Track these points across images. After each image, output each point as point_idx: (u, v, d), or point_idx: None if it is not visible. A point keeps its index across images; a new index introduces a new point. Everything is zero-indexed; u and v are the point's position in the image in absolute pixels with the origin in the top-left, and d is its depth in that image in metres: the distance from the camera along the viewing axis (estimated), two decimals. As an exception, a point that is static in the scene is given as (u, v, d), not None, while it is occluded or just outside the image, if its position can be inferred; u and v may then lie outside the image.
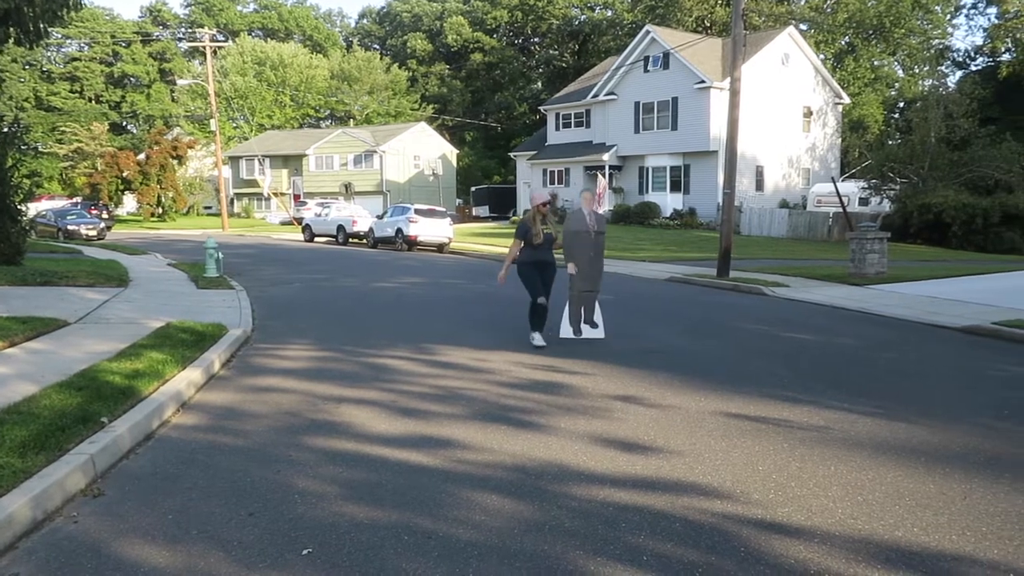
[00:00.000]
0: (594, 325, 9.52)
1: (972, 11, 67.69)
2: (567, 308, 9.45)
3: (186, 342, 8.40)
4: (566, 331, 9.41)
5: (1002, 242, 28.16)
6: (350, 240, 32.33)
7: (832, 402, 6.66)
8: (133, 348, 7.94)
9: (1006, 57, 45.08)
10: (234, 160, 60.50)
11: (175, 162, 51.10)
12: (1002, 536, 3.98)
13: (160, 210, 51.01)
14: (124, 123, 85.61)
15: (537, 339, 9.20)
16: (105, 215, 42.69)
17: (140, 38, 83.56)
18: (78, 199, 51.53)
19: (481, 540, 3.91)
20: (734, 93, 18.23)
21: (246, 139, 66.94)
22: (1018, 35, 43.48)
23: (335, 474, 4.87)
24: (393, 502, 4.41)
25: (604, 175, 41.48)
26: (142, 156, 51.48)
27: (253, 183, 58.90)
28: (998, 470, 4.98)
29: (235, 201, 60.87)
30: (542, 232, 9.14)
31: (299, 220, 41.66)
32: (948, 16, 56.87)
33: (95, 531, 4.03)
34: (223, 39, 62.40)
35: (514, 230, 9.58)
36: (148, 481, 4.75)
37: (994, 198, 29.69)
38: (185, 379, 6.87)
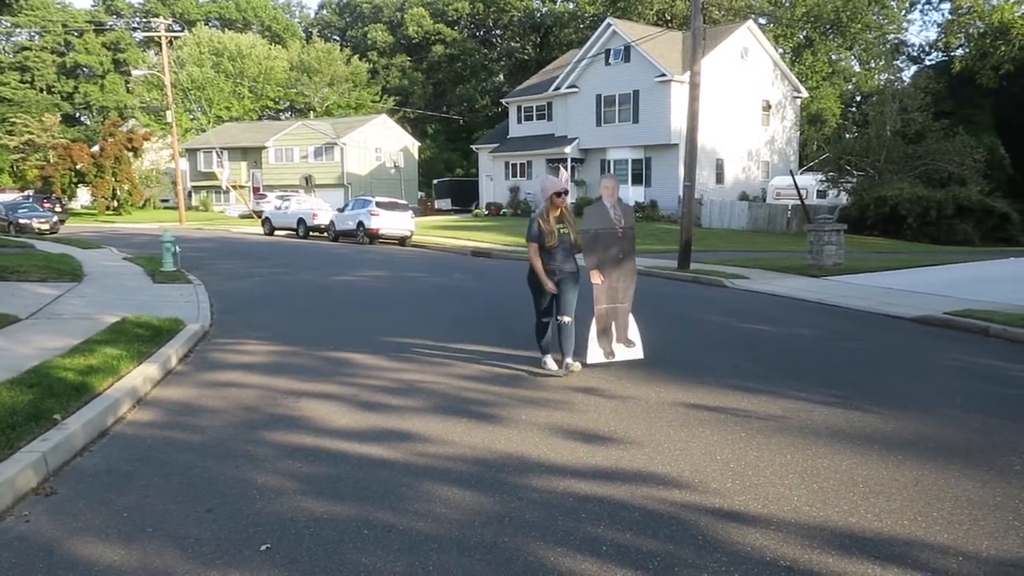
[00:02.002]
0: (630, 344, 7.66)
1: (926, 6, 68.86)
2: (593, 327, 7.50)
3: (142, 337, 8.27)
4: (595, 355, 7.49)
5: (955, 234, 28.75)
6: (311, 233, 32.03)
7: (790, 392, 6.75)
8: (87, 344, 7.79)
9: (959, 52, 45.94)
10: (192, 152, 59.59)
11: (130, 154, 50.19)
12: (952, 521, 4.07)
13: (115, 203, 50.07)
14: (77, 114, 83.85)
15: (549, 363, 7.47)
16: (58, 208, 41.75)
17: (93, 27, 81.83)
18: (30, 192, 50.32)
19: (441, 533, 3.90)
20: (694, 86, 18.37)
21: (204, 131, 65.91)
22: (971, 31, 44.32)
23: (294, 469, 4.83)
24: (353, 496, 4.39)
25: (566, 168, 41.56)
26: (96, 148, 50.46)
27: (211, 176, 58.08)
28: (949, 457, 5.08)
29: (193, 194, 59.96)
30: (557, 232, 7.20)
31: (259, 213, 41.18)
32: (903, 11, 57.82)
33: (47, 530, 3.95)
34: (179, 29, 61.27)
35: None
36: (102, 479, 4.67)
37: (947, 191, 30.29)
38: (141, 375, 6.77)
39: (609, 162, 40.90)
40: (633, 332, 7.69)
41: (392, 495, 4.40)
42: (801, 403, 6.36)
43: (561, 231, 7.23)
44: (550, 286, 7.17)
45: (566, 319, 7.26)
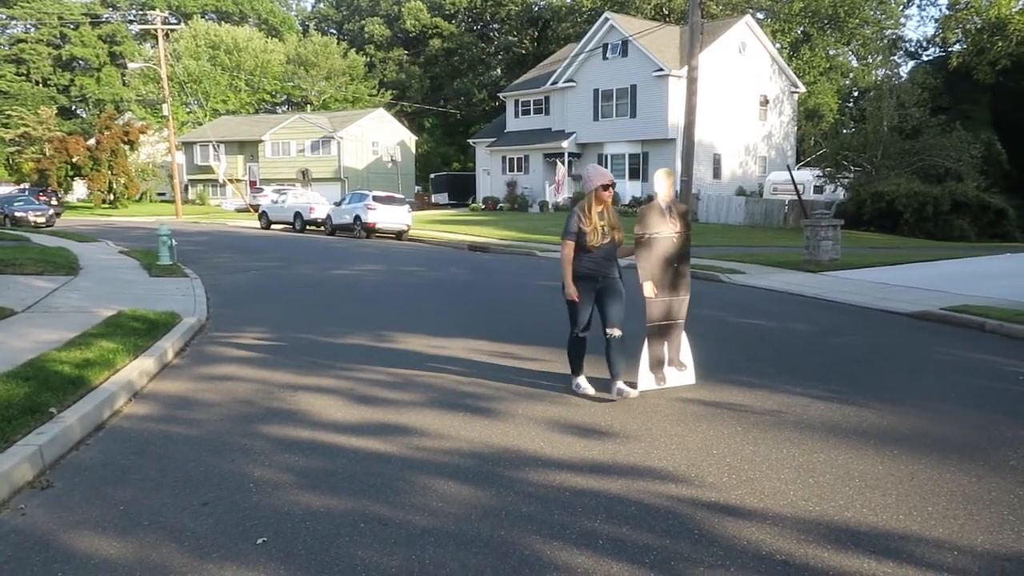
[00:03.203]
0: (682, 367, 6.71)
1: (924, 2, 69.09)
2: (645, 348, 6.53)
3: (138, 331, 8.25)
4: (646, 381, 6.49)
5: (952, 229, 28.77)
6: (307, 227, 32.00)
7: (786, 386, 6.76)
8: (83, 337, 7.78)
9: (956, 48, 45.97)
10: (188, 146, 59.46)
11: (127, 147, 50.09)
12: (947, 515, 4.08)
13: (111, 197, 49.98)
14: (73, 107, 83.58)
15: (583, 386, 6.46)
16: (54, 201, 41.66)
17: (89, 20, 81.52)
18: (25, 185, 50.20)
19: (437, 526, 3.91)
20: (691, 81, 18.35)
21: (200, 124, 65.79)
22: (968, 26, 44.33)
23: (291, 462, 4.83)
24: (349, 490, 4.39)
25: (563, 162, 41.55)
26: (92, 141, 50.34)
27: (208, 169, 57.96)
28: (944, 451, 5.09)
29: (189, 188, 59.86)
30: (601, 230, 6.21)
31: (255, 207, 41.12)
32: (901, 7, 57.80)
33: (43, 523, 3.95)
34: (175, 22, 61.19)
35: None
36: (98, 472, 4.67)
37: (944, 186, 30.30)
38: (137, 368, 6.76)
39: (606, 156, 40.87)
40: (686, 353, 6.74)
41: (388, 489, 4.40)
42: (797, 398, 6.37)
43: (604, 228, 6.21)
44: (572, 290, 6.27)
45: (616, 332, 6.25)
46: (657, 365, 6.58)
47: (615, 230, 6.30)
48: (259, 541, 3.74)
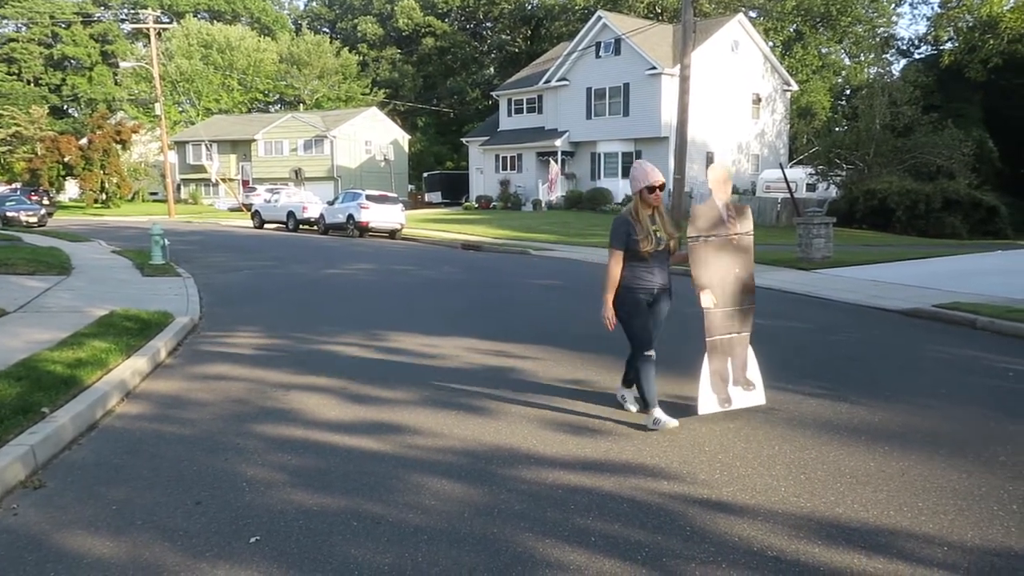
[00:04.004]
0: (748, 385, 5.92)
1: (916, 0, 69.15)
2: (705, 365, 5.80)
3: (131, 330, 8.24)
4: (708, 404, 5.73)
5: (943, 227, 28.84)
6: (300, 226, 31.97)
7: (778, 384, 6.77)
8: (75, 337, 7.76)
9: (948, 46, 46.13)
10: (180, 145, 59.32)
11: (119, 147, 49.94)
12: (937, 511, 4.11)
13: (104, 196, 49.83)
14: (65, 107, 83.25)
15: (663, 420, 5.45)
16: (46, 201, 41.59)
17: (81, 19, 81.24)
18: (17, 185, 50.01)
19: (431, 524, 3.92)
20: (684, 79, 18.38)
21: (193, 123, 65.62)
22: (959, 24, 44.47)
23: (284, 461, 4.83)
24: (342, 488, 4.39)
25: (556, 161, 41.57)
26: (84, 141, 50.21)
27: (200, 169, 57.82)
28: (934, 447, 5.12)
29: (182, 187, 59.73)
30: (653, 235, 5.45)
31: (248, 206, 41.05)
32: (893, 5, 57.96)
33: (36, 523, 3.95)
34: (168, 21, 61.04)
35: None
36: (91, 472, 4.66)
37: (936, 184, 30.38)
38: (130, 368, 6.75)
39: (599, 155, 40.93)
40: (753, 370, 5.94)
41: (382, 487, 4.41)
42: (789, 395, 6.39)
43: (656, 233, 5.47)
44: (611, 314, 5.57)
45: (651, 353, 5.59)
46: (720, 384, 5.80)
47: (669, 236, 5.54)
48: (252, 540, 3.75)
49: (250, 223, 35.11)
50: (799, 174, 35.79)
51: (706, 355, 5.80)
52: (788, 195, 31.51)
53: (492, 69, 72.33)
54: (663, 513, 4.07)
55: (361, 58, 74.81)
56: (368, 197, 28.32)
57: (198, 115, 68.12)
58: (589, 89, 40.82)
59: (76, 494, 4.32)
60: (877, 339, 9.38)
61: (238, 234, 29.74)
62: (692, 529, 3.88)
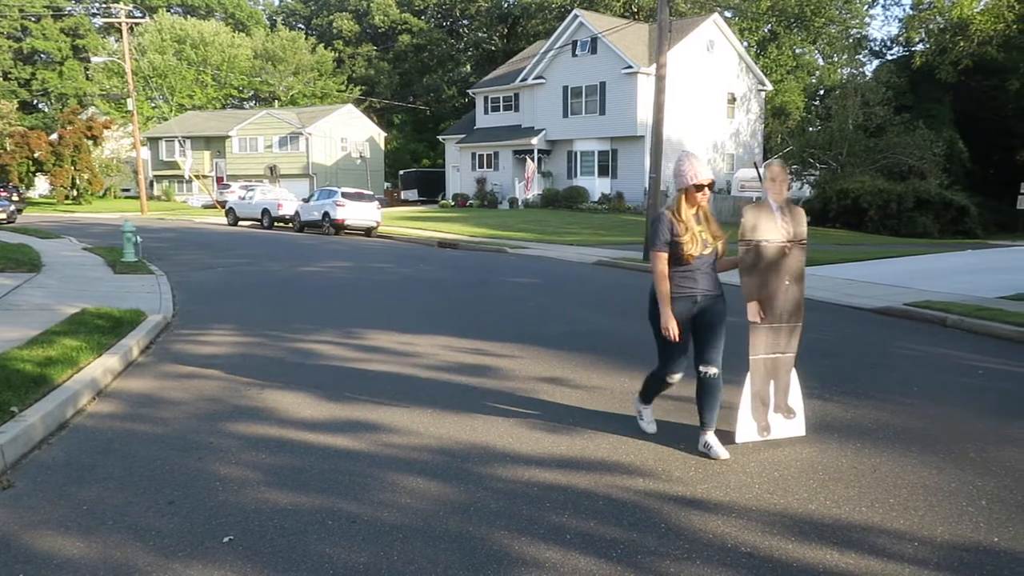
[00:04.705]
0: (789, 413, 5.31)
1: (888, 2, 69.94)
2: (747, 388, 5.22)
3: (102, 328, 8.15)
4: (747, 431, 5.18)
5: (915, 226, 29.22)
6: (275, 224, 31.76)
7: (752, 381, 6.82)
8: (45, 335, 7.66)
9: (920, 47, 46.63)
10: (153, 141, 58.68)
11: (90, 143, 49.25)
12: (908, 507, 4.16)
13: (75, 192, 49.15)
14: (35, 101, 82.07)
15: (647, 419, 5.43)
16: (16, 197, 40.89)
17: (51, 13, 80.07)
18: (-14, 181, 49.27)
19: (406, 523, 3.91)
20: (660, 78, 18.45)
21: (166, 119, 64.86)
22: (931, 26, 44.97)
23: (258, 460, 4.80)
24: (318, 487, 4.37)
25: (533, 159, 41.59)
26: (55, 136, 49.47)
27: (174, 165, 57.24)
28: (906, 444, 5.19)
29: (155, 184, 59.08)
30: (700, 237, 4.91)
31: (222, 203, 40.70)
32: (866, 6, 58.51)
33: (4, 524, 3.89)
34: (140, 15, 60.23)
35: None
36: (61, 472, 4.61)
37: (908, 184, 30.77)
38: (101, 366, 6.67)
39: (576, 153, 41.00)
40: (795, 396, 5.36)
41: (357, 486, 4.39)
42: (763, 392, 6.44)
43: (702, 234, 4.91)
44: (674, 327, 4.85)
45: (714, 370, 4.98)
46: (761, 410, 5.22)
47: (716, 237, 4.98)
48: (225, 539, 3.72)
49: (224, 220, 34.82)
50: (774, 173, 36.02)
51: (748, 375, 5.20)
52: (762, 194, 31.79)
53: (469, 67, 72.17)
54: (638, 510, 4.09)
55: (337, 55, 74.39)
56: (344, 195, 28.20)
57: (171, 111, 67.36)
58: (566, 87, 40.87)
59: (46, 494, 4.26)
60: (849, 337, 9.47)
61: (212, 231, 29.48)
62: (667, 526, 3.90)
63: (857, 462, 4.84)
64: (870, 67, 55.29)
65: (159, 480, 4.46)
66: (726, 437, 5.11)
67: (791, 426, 5.33)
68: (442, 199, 47.77)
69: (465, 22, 75.70)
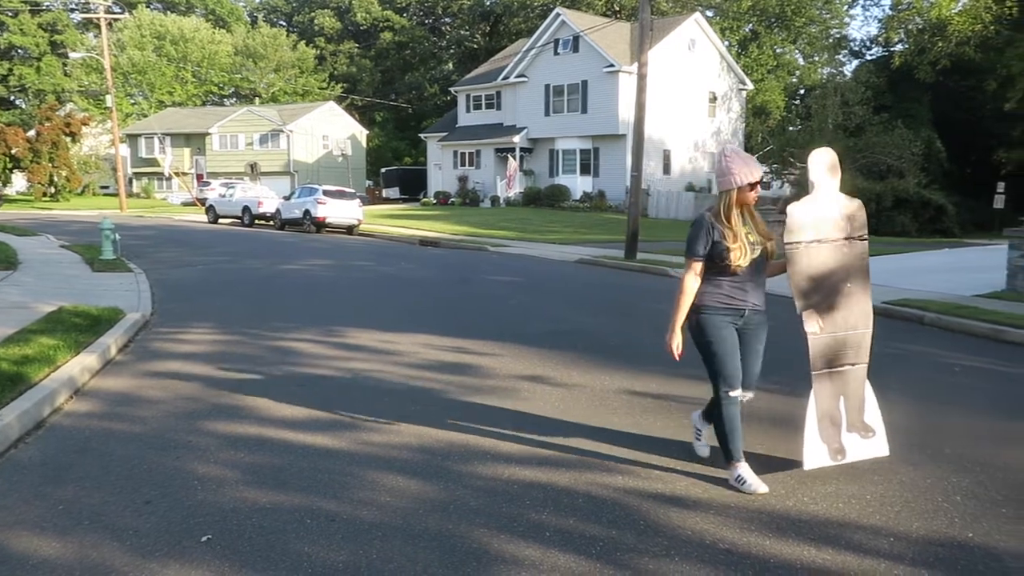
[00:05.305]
0: (867, 431, 4.72)
1: (868, 2, 70.43)
2: (811, 407, 4.63)
3: (80, 327, 8.07)
4: (816, 456, 4.57)
5: (894, 225, 29.46)
6: (256, 221, 31.57)
7: (731, 379, 6.86)
8: (22, 333, 7.58)
9: (899, 47, 46.96)
10: (132, 138, 58.19)
11: (68, 139, 48.75)
12: (884, 503, 4.20)
13: (53, 190, 48.61)
14: (12, 97, 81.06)
15: (749, 480, 4.36)
16: (-8, 194, 40.49)
17: (28, 7, 79.17)
18: (-38, 178, 48.65)
19: (385, 521, 3.90)
20: (641, 77, 18.50)
21: (145, 116, 64.34)
22: (909, 26, 45.31)
23: (237, 459, 4.78)
24: (297, 486, 4.36)
25: (515, 157, 41.59)
26: (32, 132, 48.87)
27: (153, 162, 56.80)
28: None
29: (134, 181, 58.61)
30: (747, 242, 4.30)
31: (202, 201, 40.44)
32: (845, 6, 58.87)
33: (-21, 524, 3.85)
34: (119, 11, 59.68)
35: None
36: (37, 471, 4.56)
37: (887, 183, 31.04)
38: (79, 365, 6.61)
39: (557, 152, 41.06)
40: (872, 412, 4.76)
41: (336, 484, 4.38)
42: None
43: (750, 238, 4.32)
44: (677, 345, 4.43)
45: (749, 395, 4.54)
46: (831, 431, 4.63)
47: (764, 238, 4.38)
48: (203, 539, 3.70)
49: (204, 218, 34.59)
50: (754, 172, 36.23)
51: (812, 394, 4.64)
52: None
53: (451, 65, 72.08)
54: (618, 508, 4.10)
55: (318, 52, 74.06)
56: (325, 192, 28.12)
57: (151, 107, 66.82)
58: (547, 86, 40.91)
59: (21, 494, 4.22)
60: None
61: (192, 229, 29.28)
62: (646, 523, 3.92)
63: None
64: (850, 67, 55.64)
65: (136, 479, 4.42)
66: (783, 465, 4.67)
67: (871, 446, 4.73)
68: (424, 197, 47.69)
69: (447, 20, 75.59)
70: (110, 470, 4.57)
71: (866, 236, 4.60)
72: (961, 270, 15.83)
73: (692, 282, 4.37)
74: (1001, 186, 34.10)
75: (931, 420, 5.75)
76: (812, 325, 4.55)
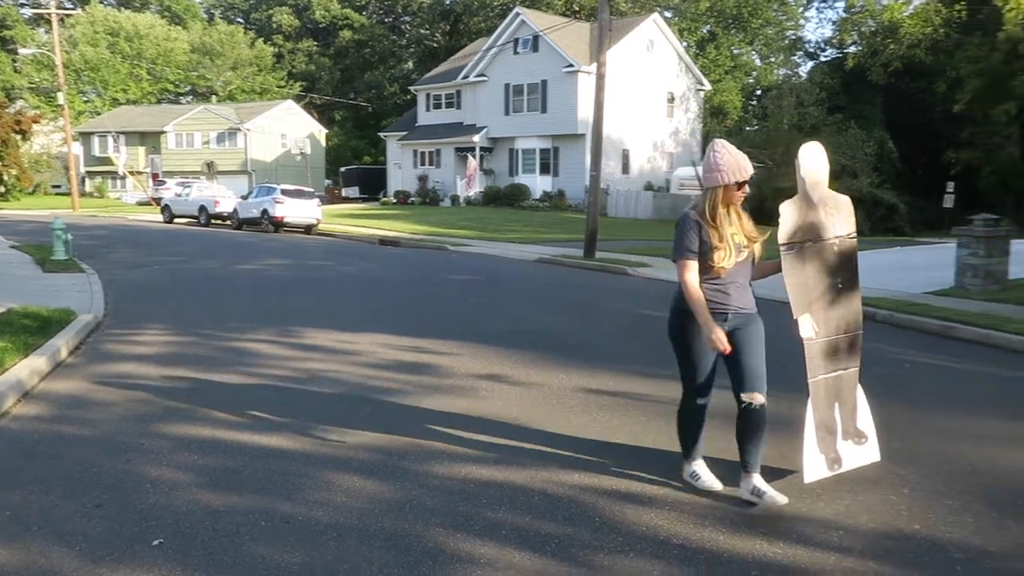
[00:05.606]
0: (860, 438, 4.63)
1: (822, 4, 71.48)
2: (809, 417, 4.46)
3: (29, 328, 7.91)
4: (816, 468, 4.39)
5: (847, 224, 29.94)
6: (213, 221, 31.18)
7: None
8: (-32, 336, 7.41)
9: (852, 49, 47.73)
10: (86, 136, 57.12)
11: (18, 137, 47.63)
12: (834, 496, 4.28)
13: (2, 189, 47.51)
14: (-40, 94, 79.10)
15: (704, 477, 4.40)
16: (-61, 194, 39.45)
17: (-24, 3, 77.23)
18: (-93, 176, 47.29)
19: (341, 522, 3.88)
20: (600, 77, 18.60)
21: (99, 114, 63.19)
22: (863, 29, 46.09)
23: (190, 461, 4.72)
24: (251, 488, 4.32)
25: (475, 157, 41.57)
26: (-20, 130, 47.78)
27: (107, 161, 55.84)
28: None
29: (87, 180, 57.51)
30: (732, 243, 4.15)
31: (158, 200, 39.81)
32: (801, 8, 59.76)
33: (-79, 531, 3.76)
34: (71, 7, 58.59)
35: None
36: (-17, 476, 4.47)
37: (841, 183, 31.43)
38: (27, 367, 6.48)
39: (517, 151, 41.12)
40: (864, 417, 4.68)
41: (292, 486, 4.34)
42: (698, 387, 6.54)
43: (735, 238, 4.16)
44: (720, 337, 4.05)
45: (759, 398, 4.20)
46: (828, 440, 4.46)
47: (751, 239, 4.23)
48: (155, 543, 3.65)
49: (160, 218, 34.07)
50: (712, 172, 36.60)
51: (809, 402, 4.45)
52: (701, 192, 32.25)
53: (411, 63, 71.77)
54: (573, 505, 4.13)
55: (276, 50, 73.26)
56: (283, 191, 27.86)
57: (104, 105, 65.60)
58: (507, 85, 40.94)
59: (-34, 500, 4.13)
60: (782, 331, 9.66)
61: (147, 229, 28.81)
62: (601, 520, 3.95)
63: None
64: (805, 68, 56.44)
65: (87, 483, 4.35)
66: (779, 476, 4.46)
67: (863, 452, 4.62)
68: (384, 196, 47.44)
69: (407, 18, 75.24)
70: (59, 474, 4.49)
71: (855, 235, 4.49)
72: (912, 268, 16.15)
73: (693, 279, 4.12)
74: (951, 186, 34.82)
75: (880, 415, 5.84)
76: (808, 330, 4.41)
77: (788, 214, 4.30)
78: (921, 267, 16.16)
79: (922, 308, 10.60)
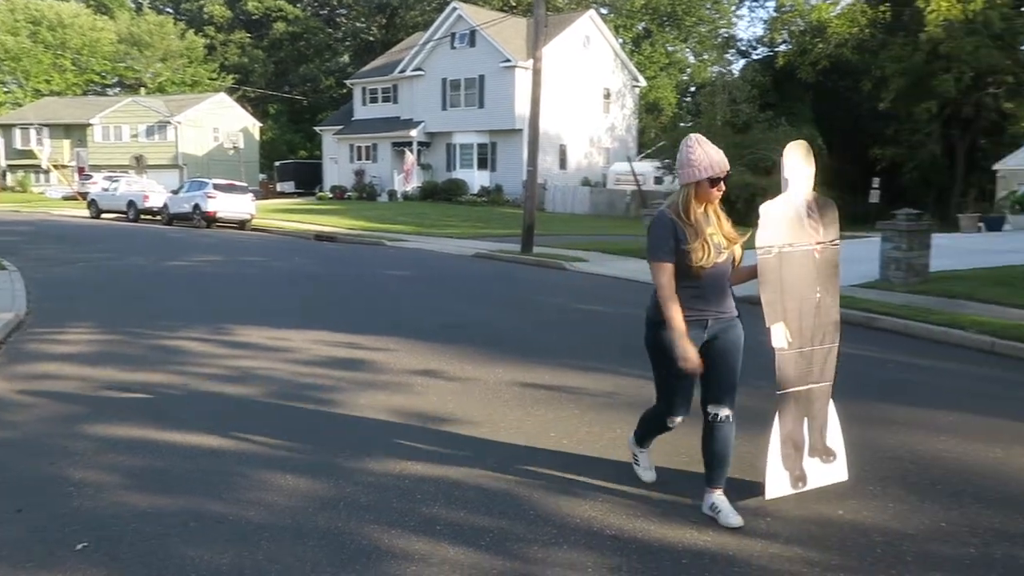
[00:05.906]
0: (828, 456, 4.36)
1: (754, 3, 72.90)
2: (776, 430, 4.24)
3: (-55, 328, 7.62)
4: (778, 485, 4.19)
5: (779, 218, 30.62)
6: (142, 216, 30.42)
7: (622, 369, 7.03)
8: None
9: (782, 48, 48.77)
10: (6, 129, 55.10)
11: (-66, 129, 45.83)
12: (761, 486, 4.37)
13: (-83, 183, 45.68)
14: None
15: (643, 466, 4.47)
16: None
17: None
18: None
19: (273, 521, 3.83)
20: (536, 72, 18.67)
21: (20, 105, 61.03)
22: (792, 28, 47.13)
23: (117, 463, 4.60)
24: (181, 488, 4.23)
25: (412, 151, 41.34)
26: None
27: (30, 154, 53.93)
28: (762, 427, 5.41)
29: (8, 174, 55.47)
30: (711, 243, 3.87)
31: (84, 195, 38.65)
32: (733, 7, 60.80)
33: None
34: (-10, -6, 56.41)
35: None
36: None
37: (772, 178, 32.11)
38: (-57, 369, 6.24)
39: (455, 146, 41.03)
40: (834, 434, 4.41)
41: (223, 486, 4.27)
42: (632, 379, 6.61)
43: (714, 238, 3.89)
44: (691, 357, 3.80)
45: (725, 411, 4.00)
46: (794, 456, 4.24)
47: (731, 241, 3.96)
48: (79, 546, 3.55)
49: (86, 213, 33.11)
50: (647, 167, 37.08)
51: (776, 415, 4.24)
52: (636, 188, 32.67)
53: (347, 57, 70.94)
54: (508, 499, 4.15)
55: (208, 41, 71.62)
56: (215, 186, 27.36)
57: (26, 96, 63.36)
58: (444, 80, 40.80)
59: None
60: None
61: (73, 224, 27.95)
62: (536, 513, 3.97)
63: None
64: (737, 66, 57.41)
65: (6, 488, 4.21)
66: (742, 491, 4.20)
67: (830, 471, 4.37)
68: (320, 191, 46.83)
69: (343, 11, 74.29)
70: (-23, 479, 4.34)
71: (838, 240, 4.27)
72: (842, 262, 16.58)
73: (668, 281, 3.87)
74: (876, 181, 35.92)
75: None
76: (780, 339, 4.17)
77: (770, 215, 4.11)
78: (848, 260, 16.53)
79: (847, 300, 10.84)
